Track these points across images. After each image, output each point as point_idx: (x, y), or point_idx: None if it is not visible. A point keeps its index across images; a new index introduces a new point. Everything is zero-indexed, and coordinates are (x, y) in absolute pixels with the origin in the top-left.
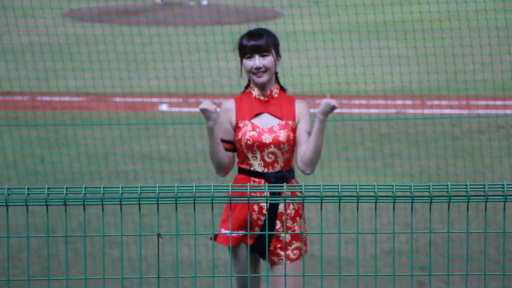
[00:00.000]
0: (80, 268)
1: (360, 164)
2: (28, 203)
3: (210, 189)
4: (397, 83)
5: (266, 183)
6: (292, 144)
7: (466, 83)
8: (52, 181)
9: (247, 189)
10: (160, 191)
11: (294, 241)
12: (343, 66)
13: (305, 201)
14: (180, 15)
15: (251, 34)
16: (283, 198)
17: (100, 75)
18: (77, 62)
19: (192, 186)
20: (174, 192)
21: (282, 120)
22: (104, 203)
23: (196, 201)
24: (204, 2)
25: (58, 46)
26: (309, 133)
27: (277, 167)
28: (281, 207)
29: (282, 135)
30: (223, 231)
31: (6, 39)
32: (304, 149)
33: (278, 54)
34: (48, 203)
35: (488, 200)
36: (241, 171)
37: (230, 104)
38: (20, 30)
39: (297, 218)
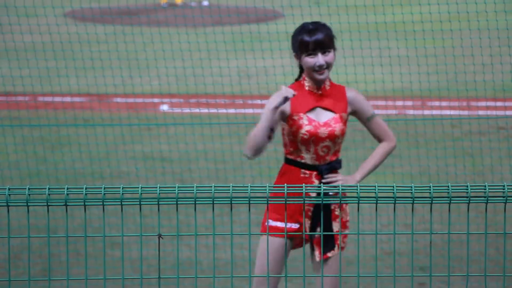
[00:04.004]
0: (81, 268)
1: (360, 164)
2: (29, 204)
3: (211, 190)
4: (397, 83)
5: (316, 177)
6: (344, 136)
7: (466, 84)
8: (54, 181)
9: (301, 189)
10: (161, 191)
11: (343, 230)
12: (343, 66)
13: (306, 201)
14: (181, 16)
15: (310, 30)
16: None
17: (102, 74)
18: (79, 61)
19: (193, 187)
20: (175, 192)
21: (335, 113)
22: (105, 203)
23: (197, 202)
24: (205, 3)
25: (60, 45)
26: (373, 115)
27: (328, 159)
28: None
29: (338, 129)
30: (271, 222)
31: (8, 38)
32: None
33: (335, 48)
34: (49, 204)
35: (488, 201)
36: (289, 161)
37: None
38: (22, 29)
39: (345, 207)
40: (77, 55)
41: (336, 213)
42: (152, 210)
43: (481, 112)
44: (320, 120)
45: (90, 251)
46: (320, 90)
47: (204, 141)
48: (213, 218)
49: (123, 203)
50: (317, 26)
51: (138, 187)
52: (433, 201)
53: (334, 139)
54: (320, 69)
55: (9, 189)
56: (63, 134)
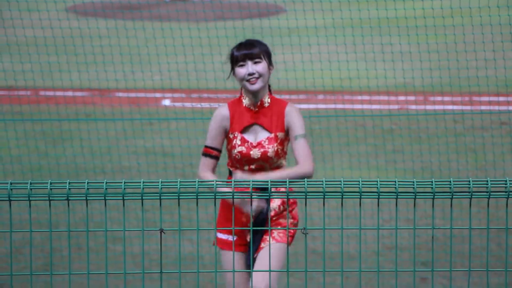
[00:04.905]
0: (82, 263)
1: (362, 160)
2: (31, 198)
3: (213, 185)
4: (400, 79)
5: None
6: (280, 156)
7: (469, 80)
8: (56, 176)
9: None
10: (162, 186)
11: (279, 227)
12: (345, 62)
13: (307, 197)
14: (183, 10)
15: (242, 44)
16: (283, 194)
17: (103, 69)
18: (81, 56)
19: (195, 181)
20: (176, 187)
21: (271, 133)
22: (106, 198)
23: (198, 197)
24: None
25: (62, 40)
26: (300, 136)
27: None
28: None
29: (271, 151)
30: (219, 235)
31: (10, 32)
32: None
33: (271, 63)
34: (50, 198)
35: (490, 196)
36: (230, 173)
37: (225, 111)
38: (24, 23)
39: (284, 212)
40: (79, 49)
41: (278, 220)
42: (153, 205)
43: (483, 107)
44: (254, 140)
45: (92, 246)
46: (257, 107)
47: (205, 136)
48: (214, 212)
49: (125, 197)
50: (250, 42)
51: (140, 182)
52: (435, 196)
53: (268, 160)
54: (250, 77)
55: (11, 183)
56: (64, 129)
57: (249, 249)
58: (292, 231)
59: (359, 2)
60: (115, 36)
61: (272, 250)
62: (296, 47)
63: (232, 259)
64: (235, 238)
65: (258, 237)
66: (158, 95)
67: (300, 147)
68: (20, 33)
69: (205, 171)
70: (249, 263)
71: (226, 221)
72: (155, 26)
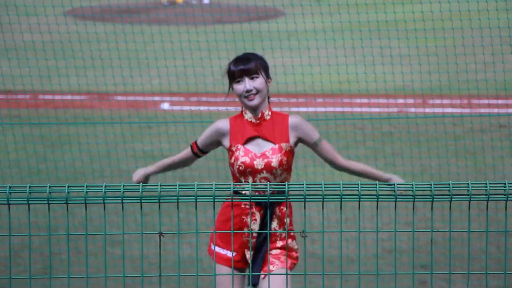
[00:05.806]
0: (81, 266)
1: (361, 163)
2: (29, 202)
3: (212, 188)
4: (399, 82)
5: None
6: (285, 168)
7: (468, 82)
8: (54, 180)
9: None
10: (161, 189)
11: (283, 251)
12: (344, 65)
13: (306, 199)
14: (181, 14)
15: (238, 59)
16: (284, 198)
17: (102, 73)
18: (79, 60)
19: (194, 185)
20: (175, 190)
21: (275, 143)
22: (105, 201)
23: (197, 200)
24: (206, 1)
25: (60, 44)
26: (319, 139)
27: (269, 191)
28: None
29: (275, 160)
30: (217, 249)
31: (8, 37)
32: (351, 164)
33: (268, 77)
34: (49, 202)
35: (489, 199)
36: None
37: (224, 125)
38: (22, 28)
39: (283, 234)
40: (77, 53)
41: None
42: (152, 208)
43: (482, 110)
44: (258, 151)
45: (91, 249)
46: (258, 120)
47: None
48: (213, 216)
49: (124, 201)
50: (247, 56)
51: (139, 185)
52: (434, 199)
53: (272, 170)
54: (248, 94)
55: (10, 187)
56: (63, 133)
57: (246, 266)
58: (294, 252)
59: (358, 6)
60: (113, 40)
61: (281, 278)
62: (295, 50)
63: (227, 275)
64: (234, 254)
65: (259, 255)
66: (156, 98)
67: (326, 148)
68: (19, 38)
69: (169, 158)
70: (245, 281)
71: (226, 236)
72: (154, 30)
